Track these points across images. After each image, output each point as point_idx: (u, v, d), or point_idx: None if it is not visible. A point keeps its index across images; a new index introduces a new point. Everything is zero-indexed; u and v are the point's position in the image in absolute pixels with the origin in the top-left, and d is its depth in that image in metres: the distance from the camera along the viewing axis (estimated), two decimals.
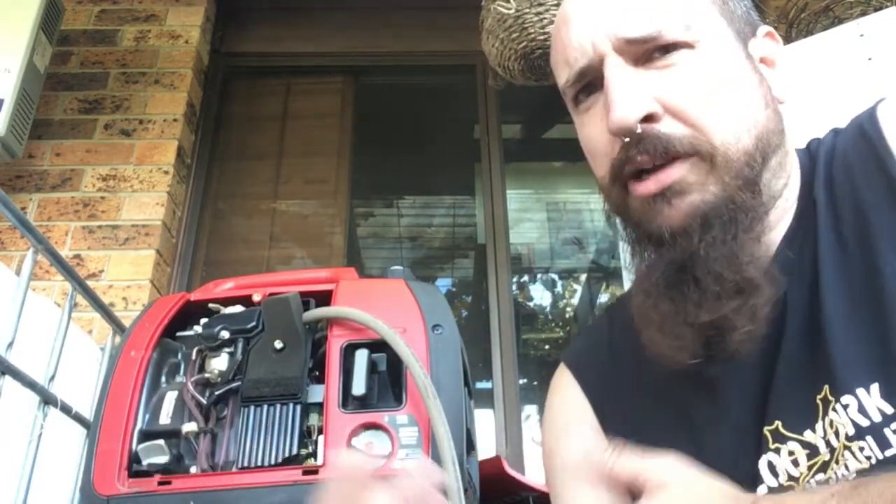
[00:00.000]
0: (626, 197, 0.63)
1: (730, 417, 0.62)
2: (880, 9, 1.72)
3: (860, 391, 0.53)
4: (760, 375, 0.61)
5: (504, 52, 1.70)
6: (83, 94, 2.32)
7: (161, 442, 0.65)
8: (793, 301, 0.60)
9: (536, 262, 3.05)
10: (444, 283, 2.87)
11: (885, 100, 0.63)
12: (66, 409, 1.07)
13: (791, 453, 0.58)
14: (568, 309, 3.15)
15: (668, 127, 0.60)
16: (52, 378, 1.05)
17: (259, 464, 0.64)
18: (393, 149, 2.81)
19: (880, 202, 0.58)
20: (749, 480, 0.59)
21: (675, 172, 0.59)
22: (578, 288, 3.12)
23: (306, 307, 0.72)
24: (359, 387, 0.65)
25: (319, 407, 0.67)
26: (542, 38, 1.61)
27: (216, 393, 0.68)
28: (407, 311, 0.71)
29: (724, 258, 0.58)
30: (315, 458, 0.64)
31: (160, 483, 0.63)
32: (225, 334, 0.71)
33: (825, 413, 0.56)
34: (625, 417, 0.72)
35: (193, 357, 0.71)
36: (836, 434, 0.55)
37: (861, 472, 0.53)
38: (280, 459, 0.64)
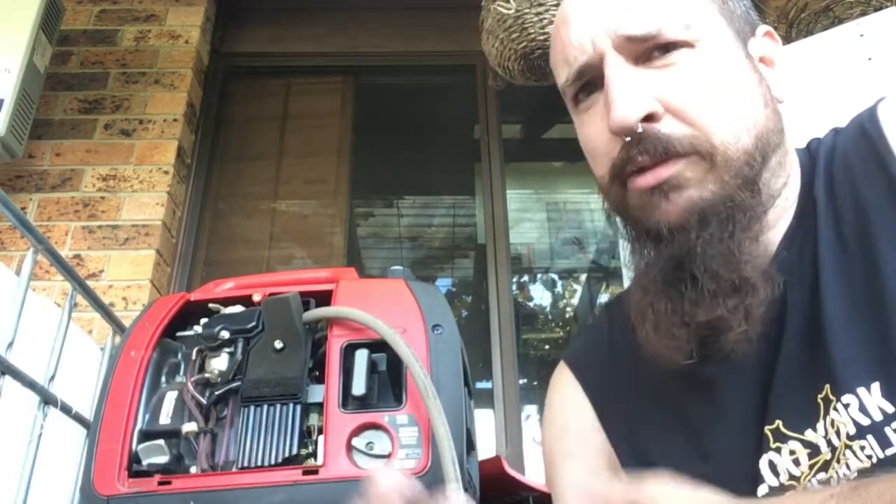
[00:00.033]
0: (625, 194, 0.63)
1: (729, 417, 0.62)
2: (880, 9, 1.72)
3: (861, 390, 0.53)
4: (760, 375, 0.61)
5: (504, 53, 1.70)
6: (83, 94, 2.32)
7: (161, 442, 0.65)
8: (793, 300, 0.60)
9: (536, 262, 3.05)
10: (444, 283, 2.87)
11: (886, 99, 0.63)
12: (66, 409, 1.07)
13: (792, 452, 0.58)
14: (568, 309, 3.15)
15: (668, 127, 0.60)
16: (52, 378, 1.05)
17: (259, 464, 0.64)
18: (393, 149, 2.81)
19: (881, 201, 0.58)
20: (749, 480, 0.59)
21: (674, 168, 0.59)
22: (578, 288, 3.12)
23: (306, 307, 0.72)
24: (359, 387, 0.65)
25: (319, 407, 0.67)
26: (541, 38, 1.61)
27: (216, 393, 0.68)
28: (407, 311, 0.71)
29: (721, 256, 0.58)
30: (315, 458, 0.64)
31: (160, 483, 0.63)
32: (225, 334, 0.71)
33: (826, 412, 0.56)
34: (623, 417, 0.72)
35: (193, 357, 0.71)
36: (838, 433, 0.55)
37: (862, 471, 0.53)
38: (280, 459, 0.64)
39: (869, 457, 0.52)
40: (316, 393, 0.68)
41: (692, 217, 0.59)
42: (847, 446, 0.54)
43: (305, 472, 0.62)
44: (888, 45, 1.48)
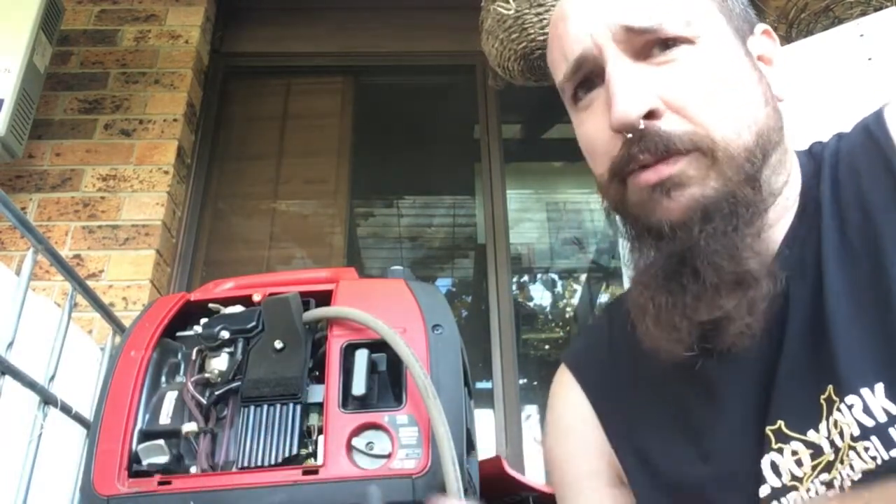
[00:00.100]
0: (625, 192, 0.62)
1: (729, 416, 0.62)
2: (880, 9, 1.72)
3: (865, 391, 0.53)
4: (762, 374, 0.60)
5: (504, 53, 1.70)
6: (83, 94, 2.32)
7: (161, 442, 0.65)
8: (795, 299, 0.60)
9: (536, 262, 3.05)
10: (444, 283, 2.88)
11: (892, 103, 0.63)
12: (66, 409, 1.07)
13: (794, 453, 0.57)
14: (568, 309, 3.15)
15: (669, 124, 0.59)
16: (52, 378, 1.05)
17: (259, 464, 0.64)
18: (393, 149, 2.81)
19: (887, 203, 0.58)
20: (751, 479, 0.59)
21: (677, 166, 0.59)
22: (578, 288, 3.12)
23: (306, 307, 0.72)
24: (359, 387, 0.65)
25: (319, 407, 0.67)
26: (541, 38, 1.61)
27: (216, 393, 0.68)
28: (407, 311, 0.71)
29: (725, 250, 0.58)
30: (315, 458, 0.64)
31: (160, 483, 0.63)
32: (225, 334, 0.71)
33: (829, 413, 0.55)
34: (623, 416, 0.72)
35: (193, 357, 0.71)
36: (841, 434, 0.54)
37: (867, 473, 0.52)
38: (280, 459, 0.64)
39: (873, 458, 0.52)
40: (316, 393, 0.68)
41: (695, 215, 0.58)
42: (851, 447, 0.54)
43: (305, 472, 0.62)
44: (888, 45, 1.48)
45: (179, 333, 0.74)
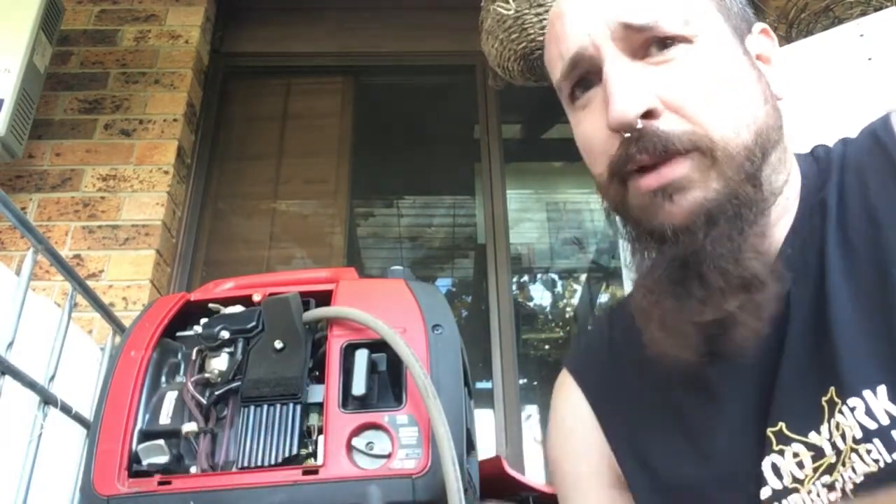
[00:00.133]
0: (625, 193, 0.62)
1: (730, 417, 0.62)
2: (880, 9, 1.72)
3: (867, 393, 0.53)
4: (762, 375, 0.60)
5: (503, 53, 1.70)
6: (83, 94, 2.32)
7: (161, 442, 0.65)
8: (796, 301, 0.60)
9: (536, 262, 3.05)
10: (444, 283, 2.88)
11: None
12: (66, 409, 1.07)
13: (796, 455, 0.57)
14: (568, 309, 3.16)
15: (667, 124, 0.59)
16: (52, 378, 1.05)
17: (259, 464, 0.64)
18: (393, 149, 2.81)
19: (894, 209, 0.57)
20: (752, 481, 0.59)
21: (679, 169, 0.58)
22: (578, 288, 3.12)
23: (306, 307, 0.72)
24: (359, 387, 0.65)
25: (319, 407, 0.66)
26: (541, 38, 1.61)
27: (216, 393, 0.67)
28: (407, 311, 0.71)
29: (731, 254, 0.58)
30: (315, 458, 0.64)
31: (160, 483, 0.63)
32: (225, 334, 0.71)
33: (831, 415, 0.55)
34: (623, 419, 0.72)
35: (193, 357, 0.71)
36: (843, 436, 0.54)
37: (868, 475, 0.52)
38: (280, 459, 0.64)
39: (875, 460, 0.52)
40: (316, 393, 0.67)
41: (698, 219, 0.58)
42: (853, 450, 0.53)
43: (305, 472, 0.62)
44: (888, 45, 1.48)
45: (179, 333, 0.74)
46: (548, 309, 3.12)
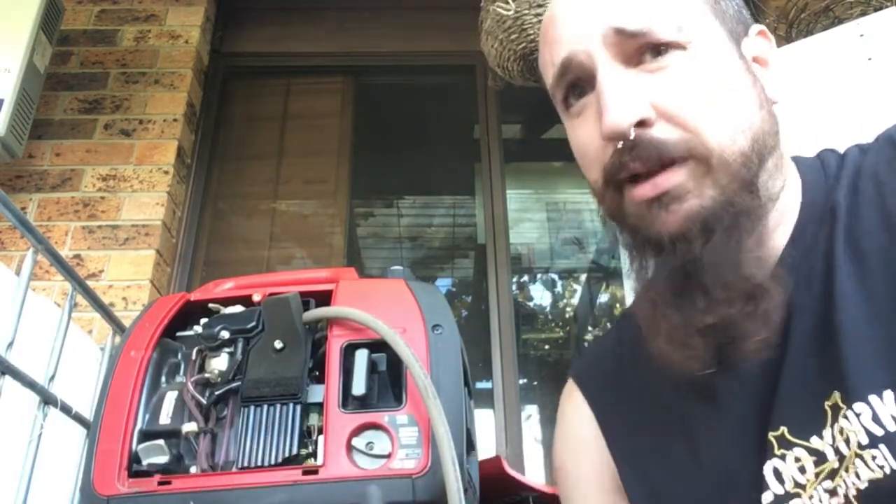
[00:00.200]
0: (622, 201, 0.61)
1: (731, 422, 0.62)
2: (880, 9, 1.72)
3: (873, 398, 0.52)
4: (764, 380, 0.60)
5: (503, 53, 1.70)
6: (83, 94, 2.32)
7: (161, 442, 0.65)
8: (800, 305, 0.59)
9: (536, 262, 3.05)
10: (444, 283, 2.88)
11: None
12: (66, 409, 1.07)
13: (797, 459, 0.57)
14: (568, 309, 3.16)
15: (661, 132, 0.58)
16: (52, 378, 1.05)
17: (259, 464, 0.64)
18: (393, 149, 2.81)
19: None
20: (753, 486, 0.59)
21: (674, 178, 0.58)
22: (578, 288, 3.12)
23: (306, 307, 0.72)
24: (359, 387, 0.65)
25: (319, 407, 0.66)
26: None
27: (216, 393, 0.67)
28: (407, 311, 0.71)
29: (729, 264, 0.57)
30: (315, 458, 0.64)
31: (160, 483, 0.63)
32: (225, 334, 0.71)
33: (835, 419, 0.55)
34: (624, 429, 0.72)
35: (193, 357, 0.71)
36: (847, 442, 0.53)
37: (873, 482, 0.52)
38: (280, 459, 0.64)
39: (881, 467, 0.51)
40: (316, 393, 0.68)
41: (694, 226, 0.58)
42: (857, 455, 0.53)
43: (305, 472, 0.62)
44: (888, 45, 1.48)
45: (179, 333, 0.74)
46: (548, 309, 3.12)
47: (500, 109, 2.59)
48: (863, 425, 0.52)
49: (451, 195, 2.90)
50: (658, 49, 0.60)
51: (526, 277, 3.05)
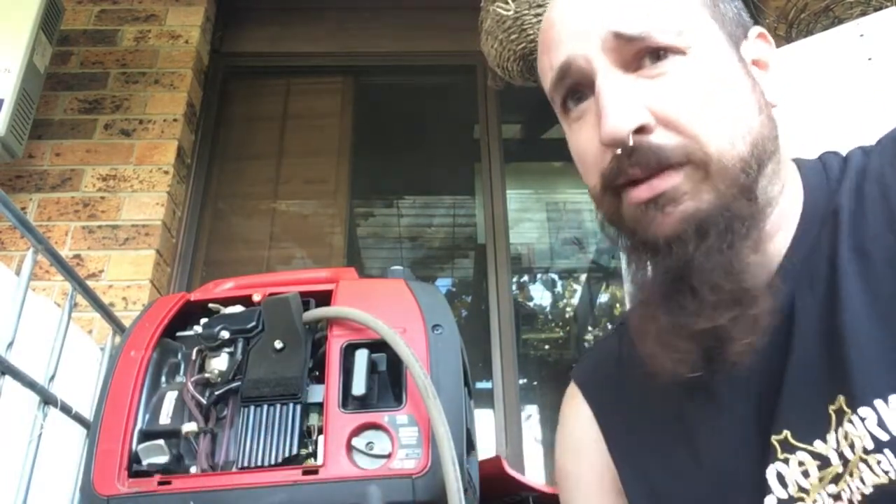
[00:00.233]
0: (619, 205, 0.61)
1: (733, 426, 0.62)
2: (880, 9, 1.72)
3: (878, 403, 0.52)
4: (767, 384, 0.59)
5: (503, 54, 1.70)
6: (83, 94, 2.32)
7: (161, 442, 0.65)
8: (802, 309, 0.59)
9: (536, 262, 3.05)
10: (444, 283, 2.88)
11: None
12: (66, 409, 1.07)
13: (801, 464, 0.56)
14: (568, 309, 3.16)
15: (660, 138, 0.58)
16: (52, 378, 1.05)
17: (259, 464, 0.64)
18: (393, 149, 2.81)
19: None
20: (756, 490, 0.58)
21: (670, 180, 0.58)
22: (578, 288, 3.12)
23: (306, 307, 0.72)
24: (359, 387, 0.65)
25: (319, 407, 0.67)
26: None
27: (216, 393, 0.68)
28: (407, 311, 0.71)
29: (721, 268, 0.57)
30: (315, 458, 0.64)
31: (160, 483, 0.63)
32: (225, 334, 0.71)
33: (839, 424, 0.54)
34: (625, 432, 0.72)
35: (193, 357, 0.71)
36: (852, 446, 0.53)
37: (878, 486, 0.51)
38: (280, 459, 0.64)
39: (886, 472, 0.51)
40: (316, 393, 0.68)
41: (689, 228, 0.57)
42: (862, 460, 0.52)
43: (305, 472, 0.62)
44: (888, 45, 1.48)
45: (179, 333, 0.74)
46: (548, 309, 3.12)
47: (500, 109, 2.59)
48: (868, 430, 0.52)
49: (451, 195, 2.90)
50: (657, 54, 0.60)
51: (526, 277, 3.05)
